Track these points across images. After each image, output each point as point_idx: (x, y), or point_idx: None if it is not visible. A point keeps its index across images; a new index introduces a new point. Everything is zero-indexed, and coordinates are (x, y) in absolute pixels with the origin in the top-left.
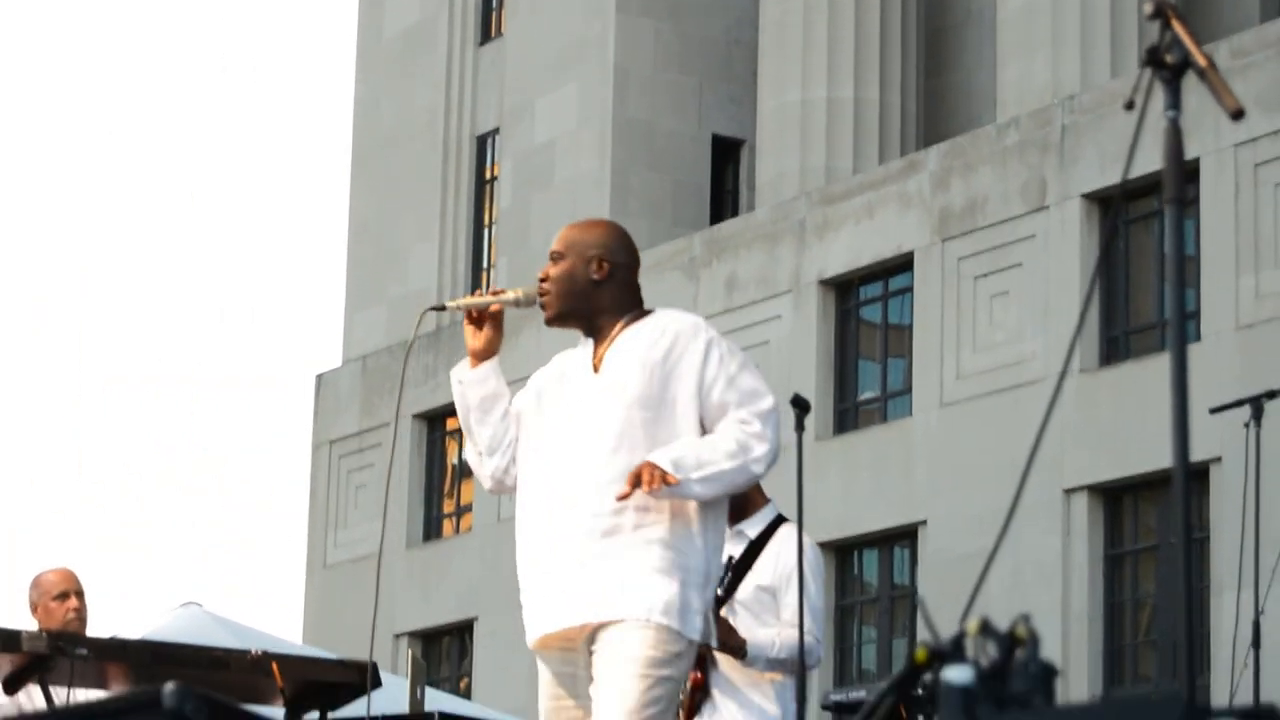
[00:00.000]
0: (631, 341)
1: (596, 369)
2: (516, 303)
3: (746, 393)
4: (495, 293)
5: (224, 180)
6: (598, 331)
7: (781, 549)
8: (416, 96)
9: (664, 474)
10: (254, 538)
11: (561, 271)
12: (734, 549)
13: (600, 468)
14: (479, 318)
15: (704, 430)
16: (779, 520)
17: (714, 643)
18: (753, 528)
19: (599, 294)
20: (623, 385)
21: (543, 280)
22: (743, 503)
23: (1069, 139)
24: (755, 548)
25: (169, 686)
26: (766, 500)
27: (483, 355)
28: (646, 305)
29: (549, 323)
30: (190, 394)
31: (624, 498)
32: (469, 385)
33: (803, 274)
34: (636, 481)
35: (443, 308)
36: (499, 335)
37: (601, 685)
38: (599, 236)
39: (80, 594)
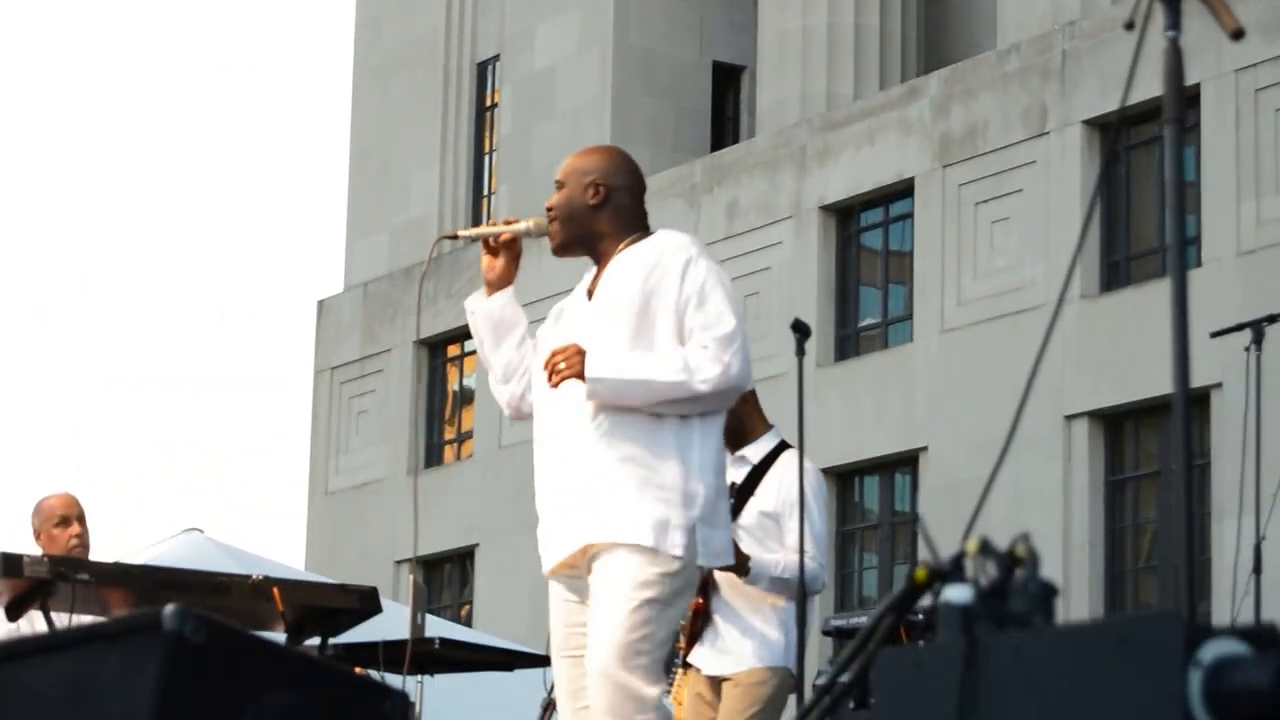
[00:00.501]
0: (623, 264)
1: (591, 294)
2: (528, 232)
3: (712, 315)
4: (508, 222)
5: (224, 111)
6: (600, 256)
7: (784, 475)
8: (417, 23)
9: (578, 368)
10: (256, 465)
11: (561, 199)
12: (736, 474)
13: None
14: (494, 247)
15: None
16: (781, 446)
17: (702, 561)
18: (755, 453)
19: (597, 218)
20: (611, 308)
21: (549, 210)
22: (743, 429)
23: (1070, 65)
24: (757, 473)
25: (169, 608)
26: (769, 426)
27: (497, 284)
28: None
29: (555, 252)
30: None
31: (547, 364)
32: (479, 316)
33: (804, 200)
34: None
35: (455, 236)
36: (514, 264)
37: (591, 613)
38: (595, 162)
39: (82, 519)
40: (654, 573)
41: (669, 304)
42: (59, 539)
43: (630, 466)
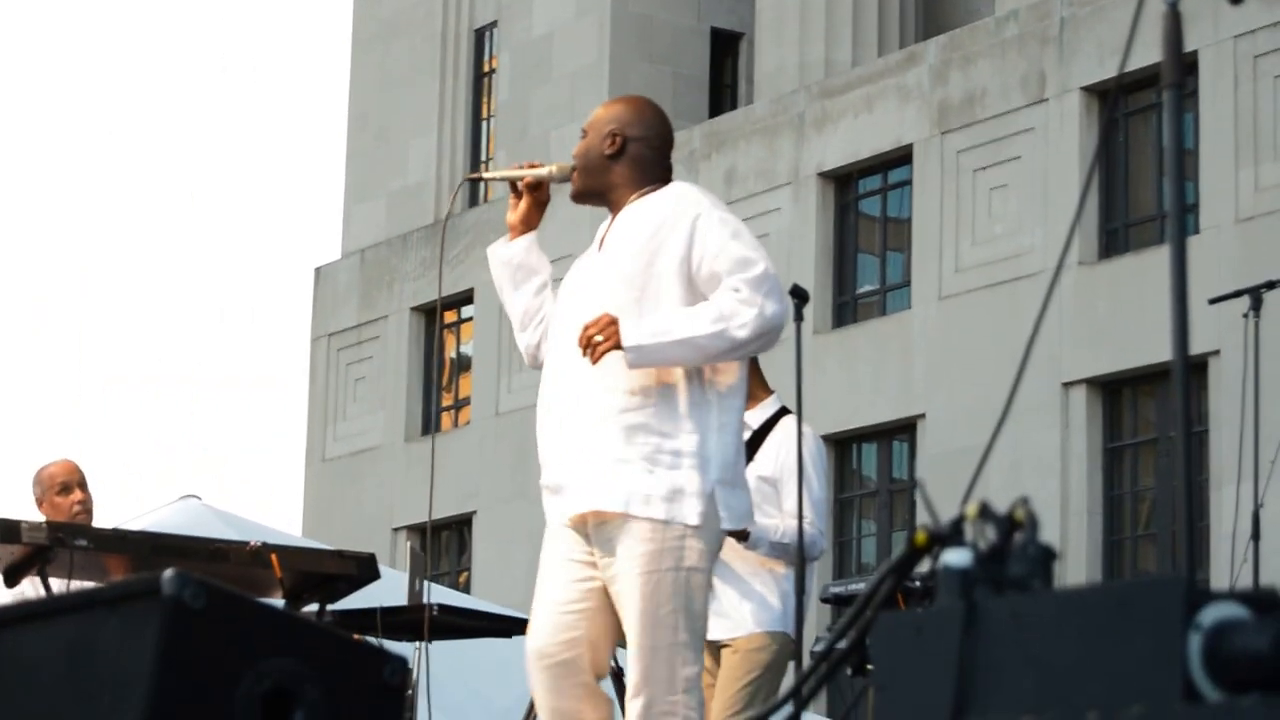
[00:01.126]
0: (631, 217)
1: (601, 246)
2: (550, 176)
3: (737, 260)
4: (532, 165)
5: (221, 78)
6: (613, 207)
7: (783, 440)
8: None
9: (615, 339)
10: (253, 432)
11: (581, 148)
12: None
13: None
14: (519, 190)
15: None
16: (782, 411)
17: (725, 524)
18: (754, 419)
19: (612, 169)
20: (615, 262)
21: (575, 156)
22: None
23: (1068, 32)
24: (757, 439)
25: (168, 573)
26: (769, 392)
27: (519, 229)
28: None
29: (573, 198)
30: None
31: (582, 340)
32: (497, 261)
33: (802, 167)
34: (591, 331)
35: (479, 178)
36: (537, 210)
37: (619, 603)
38: (617, 112)
39: (84, 484)
40: (673, 537)
41: (675, 260)
42: (62, 506)
43: (642, 435)
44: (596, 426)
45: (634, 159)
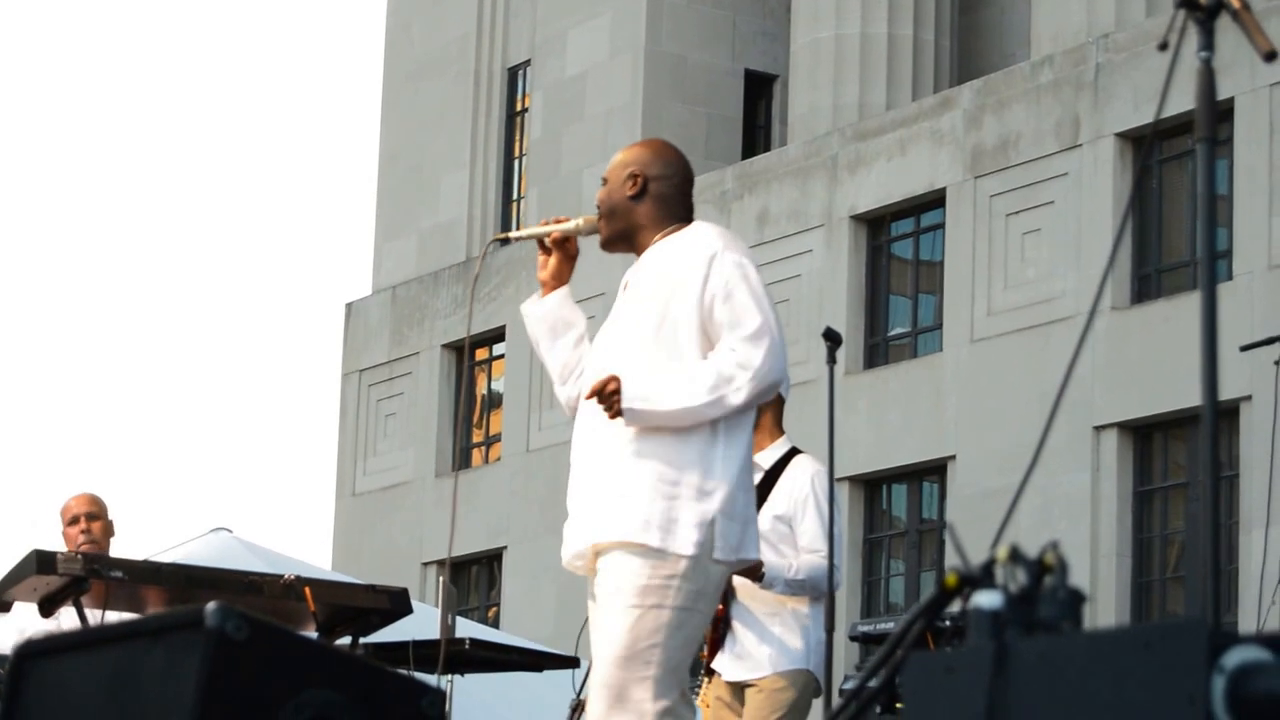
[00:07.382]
0: (653, 258)
1: (627, 288)
2: (577, 230)
3: (738, 312)
4: (558, 221)
5: (255, 114)
6: (639, 249)
7: (795, 479)
8: (448, 28)
9: (618, 401)
10: (282, 466)
11: (603, 194)
12: None
13: None
14: (547, 247)
15: (709, 344)
16: (792, 452)
17: (720, 555)
18: (766, 459)
19: (636, 210)
20: (637, 303)
21: (598, 206)
22: (757, 435)
23: (1103, 77)
24: (769, 480)
25: (211, 605)
26: (781, 432)
27: (551, 284)
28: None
29: (602, 247)
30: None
31: (589, 396)
32: (531, 318)
33: (835, 209)
34: (599, 392)
35: (506, 239)
36: (568, 265)
37: (596, 622)
38: (635, 154)
39: (91, 516)
40: (661, 575)
41: (690, 302)
42: (70, 536)
43: (647, 463)
44: (605, 456)
45: (656, 198)
